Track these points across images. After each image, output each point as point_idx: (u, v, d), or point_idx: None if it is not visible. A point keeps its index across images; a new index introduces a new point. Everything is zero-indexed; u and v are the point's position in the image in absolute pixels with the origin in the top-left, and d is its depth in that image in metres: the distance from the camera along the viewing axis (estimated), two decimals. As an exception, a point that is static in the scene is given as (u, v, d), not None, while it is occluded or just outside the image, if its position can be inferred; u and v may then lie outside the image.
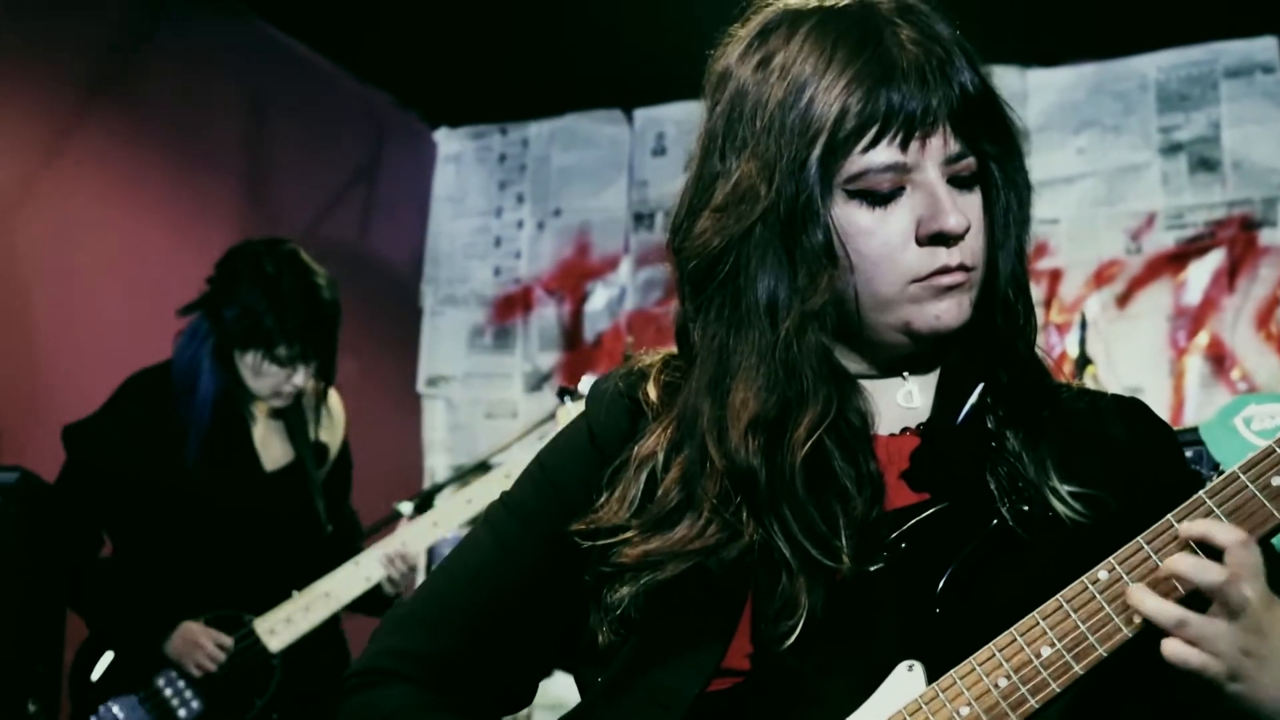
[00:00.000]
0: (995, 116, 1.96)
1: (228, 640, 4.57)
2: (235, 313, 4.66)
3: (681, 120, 7.35)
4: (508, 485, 2.20)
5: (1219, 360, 6.41)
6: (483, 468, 6.40)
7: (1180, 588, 1.74)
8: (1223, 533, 1.73)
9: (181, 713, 4.50)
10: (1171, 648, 1.71)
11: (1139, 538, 1.79)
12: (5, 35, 5.54)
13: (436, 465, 7.58)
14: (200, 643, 4.54)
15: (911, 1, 1.95)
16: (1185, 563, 1.72)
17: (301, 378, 4.74)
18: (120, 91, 6.01)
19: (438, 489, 5.68)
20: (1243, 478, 1.78)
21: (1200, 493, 1.78)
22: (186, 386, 4.70)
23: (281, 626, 4.62)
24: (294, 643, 4.63)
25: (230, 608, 4.66)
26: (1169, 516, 1.79)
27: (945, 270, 1.90)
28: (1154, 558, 1.77)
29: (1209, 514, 1.76)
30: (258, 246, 4.86)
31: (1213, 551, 1.73)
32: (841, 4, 1.95)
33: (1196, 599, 1.73)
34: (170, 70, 6.26)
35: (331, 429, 5.09)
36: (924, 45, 1.89)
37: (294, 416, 4.92)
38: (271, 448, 4.90)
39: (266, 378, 4.71)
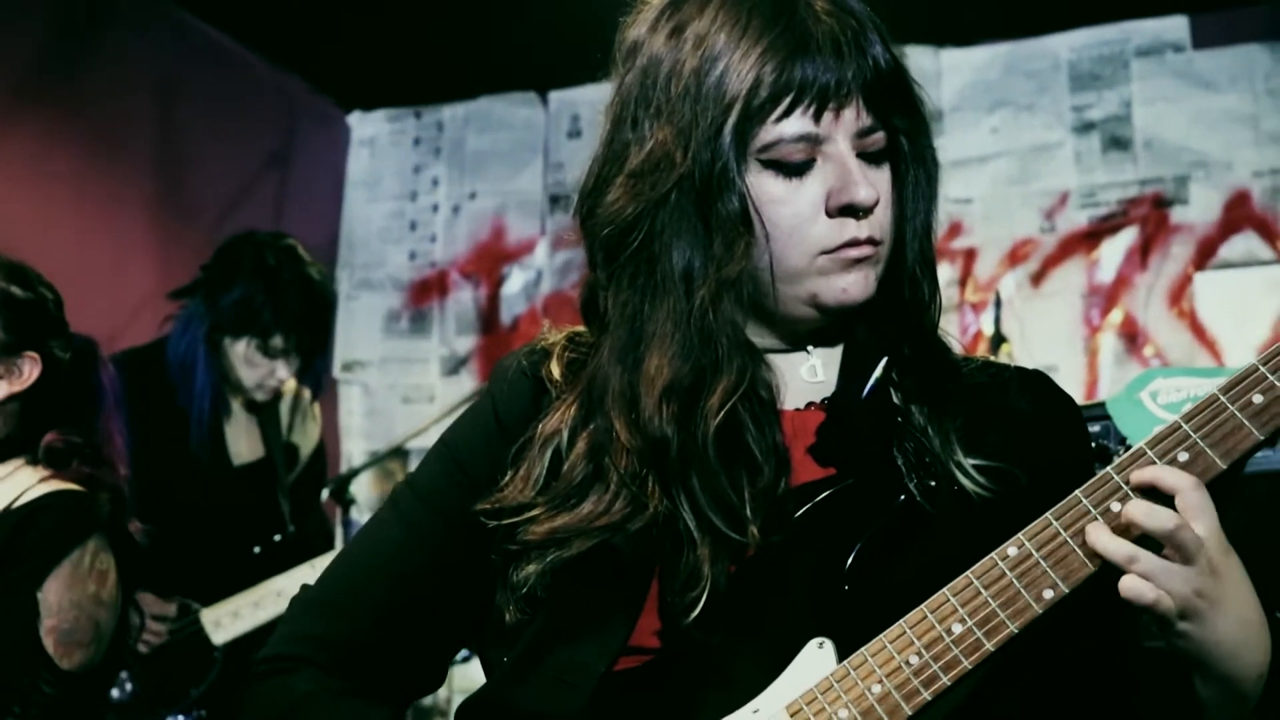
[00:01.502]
0: (905, 93, 1.97)
1: (168, 609, 4.53)
2: (233, 301, 4.70)
3: (596, 102, 7.17)
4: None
5: (1132, 337, 6.45)
6: (399, 453, 6.39)
7: (1131, 534, 1.74)
8: (1172, 477, 1.74)
9: (114, 693, 4.45)
10: (1127, 583, 1.71)
11: (1047, 513, 1.78)
12: None
13: (353, 451, 7.52)
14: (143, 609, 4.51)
15: None
16: (1137, 508, 1.73)
17: (285, 371, 4.78)
18: (26, 75, 5.93)
19: (354, 474, 5.68)
20: (1222, 399, 1.78)
21: (1177, 418, 1.79)
22: (185, 373, 4.74)
23: (228, 620, 4.59)
24: (239, 638, 4.59)
25: (180, 595, 4.62)
26: (1109, 470, 1.79)
27: (854, 243, 1.90)
28: (1060, 531, 1.77)
29: (1150, 462, 1.77)
30: (260, 237, 4.93)
31: (1163, 499, 1.74)
32: None
33: (1150, 546, 1.73)
34: (82, 56, 6.18)
35: (305, 432, 5.12)
36: (838, 18, 1.89)
37: (268, 414, 4.95)
38: (242, 442, 4.92)
39: (255, 368, 4.75)
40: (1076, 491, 1.78)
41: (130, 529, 3.42)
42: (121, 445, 3.50)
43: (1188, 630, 1.73)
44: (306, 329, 4.79)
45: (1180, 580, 1.70)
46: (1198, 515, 1.72)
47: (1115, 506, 1.76)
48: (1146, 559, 1.71)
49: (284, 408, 5.00)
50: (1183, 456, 1.77)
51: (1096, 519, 1.76)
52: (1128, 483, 1.77)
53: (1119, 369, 6.41)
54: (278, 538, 4.85)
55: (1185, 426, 1.78)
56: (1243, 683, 1.78)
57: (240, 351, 4.72)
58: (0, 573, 3.12)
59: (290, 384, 4.97)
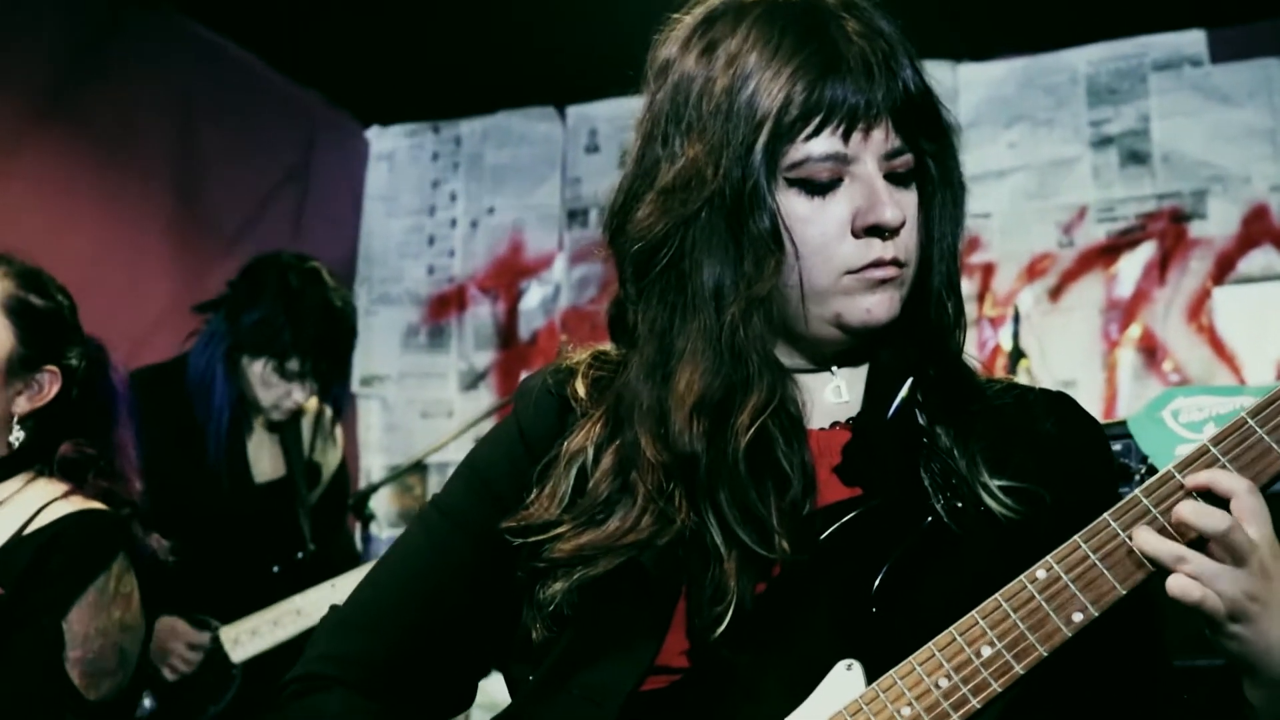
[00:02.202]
0: (933, 115, 1.97)
1: (202, 639, 4.54)
2: (254, 320, 4.70)
3: (614, 117, 7.34)
4: None
5: (1151, 352, 6.43)
6: (418, 468, 6.38)
7: (1181, 537, 1.74)
8: (1228, 480, 1.74)
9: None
10: (1174, 582, 1.71)
11: (1076, 536, 1.78)
12: None
13: (372, 465, 7.52)
14: (172, 646, 4.51)
15: None
16: (1188, 508, 1.73)
17: (302, 394, 4.78)
18: (50, 93, 5.94)
19: (373, 489, 5.68)
20: (1251, 423, 1.78)
21: (1205, 441, 1.79)
22: (203, 388, 4.73)
23: (246, 638, 4.58)
24: (258, 656, 4.58)
25: (200, 612, 4.61)
26: (1137, 493, 1.78)
27: (879, 264, 1.90)
28: (1089, 554, 1.76)
29: (1212, 463, 1.77)
30: (286, 259, 4.91)
31: (1217, 501, 1.74)
32: None
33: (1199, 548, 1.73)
34: (100, 71, 6.19)
35: (327, 452, 5.11)
36: (870, 39, 1.89)
37: (290, 433, 4.94)
38: (263, 461, 4.90)
39: (271, 388, 4.74)
40: (1105, 515, 1.78)
41: (153, 544, 3.29)
42: (134, 456, 3.38)
43: (1239, 632, 1.72)
44: (324, 354, 4.77)
45: (1229, 581, 1.70)
46: (1252, 519, 1.72)
47: (1140, 532, 1.76)
48: (1195, 559, 1.71)
49: (306, 426, 5.00)
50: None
51: (1125, 542, 1.76)
52: (1167, 498, 1.76)
53: (1137, 384, 6.40)
54: (299, 556, 4.84)
55: (1214, 450, 1.78)
56: None
57: (257, 371, 4.72)
58: (23, 598, 2.97)
59: (312, 403, 4.97)
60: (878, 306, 1.92)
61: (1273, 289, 6.29)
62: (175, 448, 4.65)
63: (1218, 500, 1.74)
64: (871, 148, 1.89)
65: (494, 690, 2.18)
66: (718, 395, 1.89)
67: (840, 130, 1.87)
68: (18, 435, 3.10)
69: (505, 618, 2.03)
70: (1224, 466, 1.77)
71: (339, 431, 5.19)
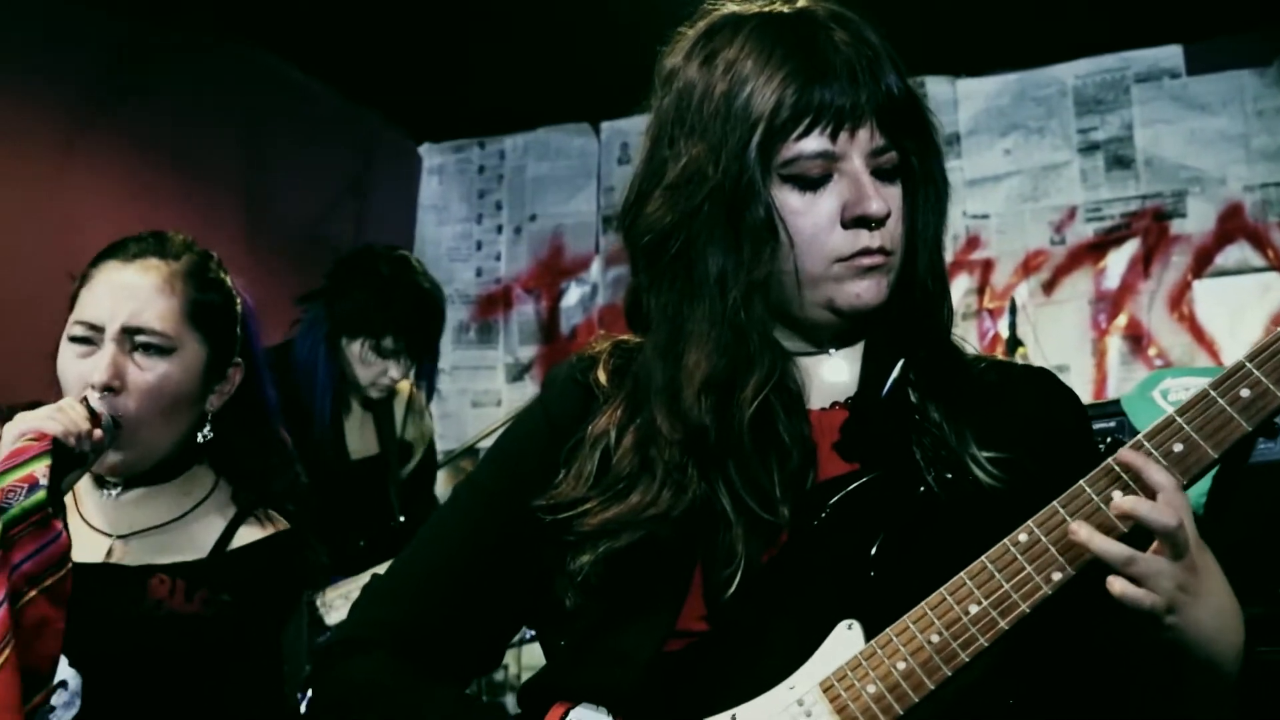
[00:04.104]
0: (917, 117, 1.97)
1: None
2: (350, 305, 4.74)
3: (644, 131, 7.30)
4: None
5: (1137, 339, 6.41)
6: (470, 452, 6.40)
7: (1122, 527, 1.72)
8: (1159, 474, 1.72)
9: None
10: (1119, 585, 1.69)
11: (1054, 502, 1.77)
12: (20, 61, 5.51)
13: (428, 450, 7.53)
14: None
15: (843, 11, 1.97)
16: (1143, 505, 1.70)
17: (398, 371, 4.79)
18: (131, 112, 5.96)
19: (431, 471, 5.69)
20: (1213, 394, 1.77)
21: (1171, 412, 1.77)
22: (308, 370, 4.77)
23: (340, 602, 4.59)
24: None
25: None
26: (1110, 460, 1.77)
27: (866, 252, 1.91)
28: (1067, 518, 1.75)
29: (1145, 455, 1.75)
30: (376, 249, 4.97)
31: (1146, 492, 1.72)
32: (781, 10, 1.97)
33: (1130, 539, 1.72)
34: (179, 93, 6.22)
35: (419, 429, 5.13)
36: (855, 47, 1.90)
37: (384, 412, 4.96)
38: (358, 437, 4.93)
39: (369, 367, 4.76)
40: (1081, 481, 1.77)
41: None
42: (289, 441, 3.08)
43: (1174, 623, 1.71)
44: (416, 331, 4.80)
45: (1168, 578, 1.69)
46: (1183, 512, 1.70)
47: (1116, 494, 1.74)
48: (1142, 561, 1.69)
49: (399, 406, 5.00)
50: (1178, 447, 1.75)
51: (1099, 508, 1.74)
52: (1127, 471, 1.75)
53: (1125, 368, 6.39)
54: (389, 526, 4.86)
55: (1179, 420, 1.76)
56: (1223, 664, 1.76)
57: (356, 351, 4.75)
58: (245, 610, 2.73)
59: (405, 385, 4.98)
60: (866, 291, 1.92)
61: (1247, 281, 6.26)
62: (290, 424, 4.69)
63: (1145, 489, 1.72)
64: (858, 146, 1.89)
65: (539, 654, 2.19)
66: (724, 372, 1.90)
67: (828, 130, 1.88)
68: (207, 432, 2.84)
69: (530, 588, 2.03)
70: (1169, 451, 1.75)
71: (429, 413, 5.20)
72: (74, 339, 2.74)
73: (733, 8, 2.02)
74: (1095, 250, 6.56)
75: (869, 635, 1.79)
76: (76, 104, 5.73)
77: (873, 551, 1.83)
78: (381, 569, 4.57)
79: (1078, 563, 1.74)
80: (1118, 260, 6.53)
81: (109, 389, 2.66)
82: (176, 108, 6.21)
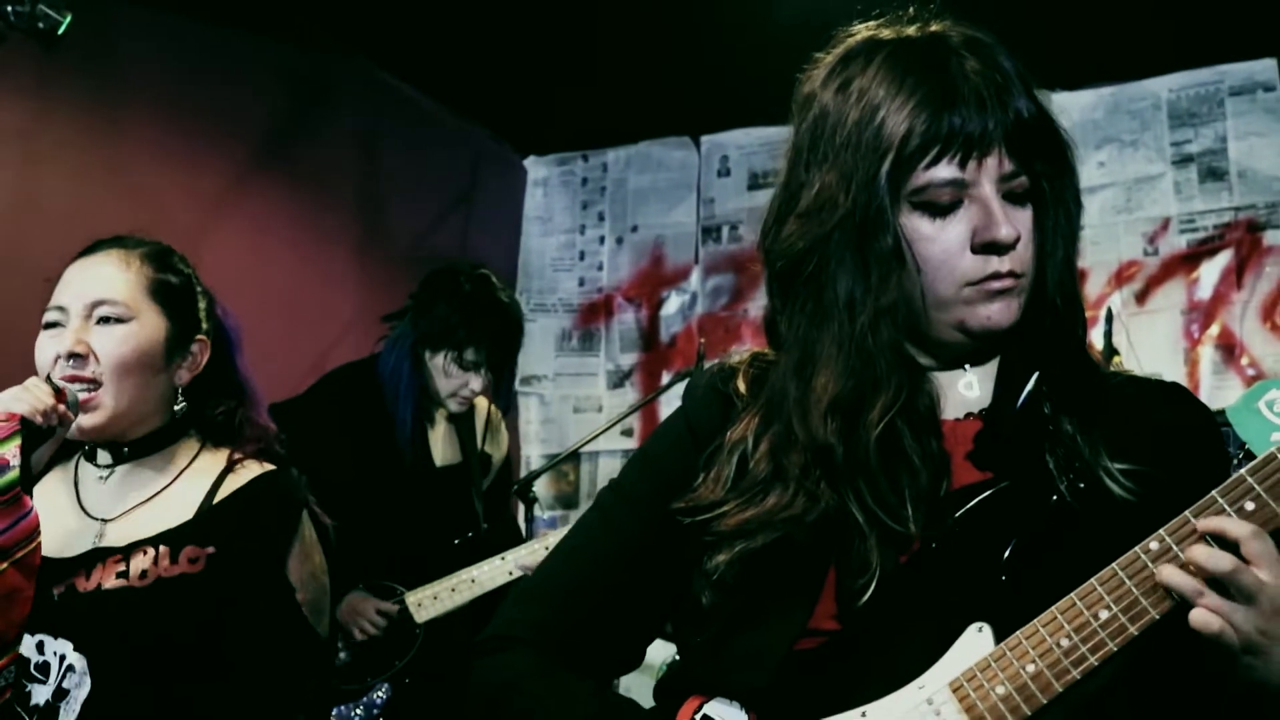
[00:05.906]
0: (1049, 138, 1.96)
1: (391, 608, 4.68)
2: (434, 319, 4.82)
3: (743, 145, 7.34)
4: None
5: (1229, 349, 6.35)
6: (573, 456, 6.45)
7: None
8: (1233, 527, 1.72)
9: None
10: (1195, 614, 1.71)
11: (1186, 511, 1.77)
12: (187, 104, 5.72)
13: (531, 454, 7.58)
14: (364, 611, 4.66)
15: (977, 35, 1.96)
16: (1200, 553, 1.72)
17: (478, 384, 4.86)
18: (267, 138, 6.11)
19: (535, 475, 5.75)
20: None
21: (1242, 471, 1.77)
22: (393, 381, 4.84)
23: (429, 602, 4.70)
24: (437, 618, 4.71)
25: (388, 579, 4.75)
26: (1214, 493, 1.77)
27: (996, 276, 1.91)
28: (1195, 528, 1.76)
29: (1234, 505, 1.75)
30: (459, 266, 5.04)
31: (1231, 544, 1.73)
32: (915, 36, 1.97)
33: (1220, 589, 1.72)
34: (305, 117, 6.34)
35: (496, 445, 5.21)
36: (985, 74, 1.89)
37: (465, 425, 5.03)
38: (442, 447, 4.99)
39: (451, 379, 4.83)
40: (1213, 492, 1.76)
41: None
42: (254, 385, 3.19)
43: (1252, 664, 1.72)
44: (496, 344, 4.86)
45: (1243, 617, 1.69)
46: (1259, 560, 1.70)
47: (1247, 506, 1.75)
48: (1212, 595, 1.70)
49: (479, 421, 5.07)
50: (1249, 506, 1.75)
51: (1233, 515, 1.74)
52: (1249, 492, 1.75)
53: (1217, 378, 6.32)
54: (471, 534, 4.92)
55: (1250, 479, 1.76)
56: None
57: (439, 364, 4.82)
58: (237, 556, 2.83)
59: (482, 402, 5.07)
60: (997, 314, 1.92)
61: (1340, 291, 6.20)
62: (367, 433, 4.77)
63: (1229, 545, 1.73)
64: (987, 172, 1.89)
65: (649, 652, 2.21)
66: (850, 395, 1.91)
67: (957, 158, 1.88)
68: (181, 405, 3.00)
69: (670, 589, 2.06)
70: (1240, 509, 1.74)
71: (504, 430, 5.27)
72: (46, 325, 2.92)
73: (868, 32, 2.02)
74: (1188, 261, 6.50)
75: (999, 638, 1.80)
76: (233, 143, 5.91)
77: (1005, 557, 1.83)
78: (473, 572, 4.66)
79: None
80: (1210, 271, 6.46)
81: (75, 355, 2.84)
82: (294, 123, 6.29)
